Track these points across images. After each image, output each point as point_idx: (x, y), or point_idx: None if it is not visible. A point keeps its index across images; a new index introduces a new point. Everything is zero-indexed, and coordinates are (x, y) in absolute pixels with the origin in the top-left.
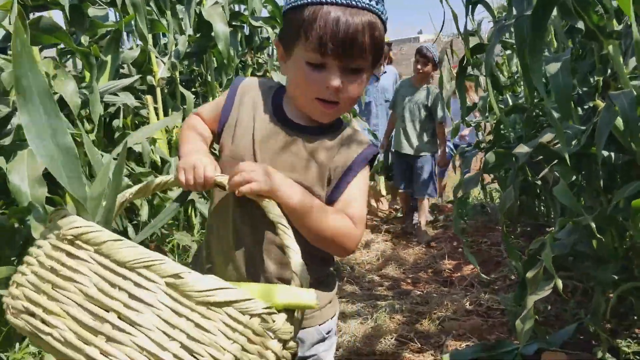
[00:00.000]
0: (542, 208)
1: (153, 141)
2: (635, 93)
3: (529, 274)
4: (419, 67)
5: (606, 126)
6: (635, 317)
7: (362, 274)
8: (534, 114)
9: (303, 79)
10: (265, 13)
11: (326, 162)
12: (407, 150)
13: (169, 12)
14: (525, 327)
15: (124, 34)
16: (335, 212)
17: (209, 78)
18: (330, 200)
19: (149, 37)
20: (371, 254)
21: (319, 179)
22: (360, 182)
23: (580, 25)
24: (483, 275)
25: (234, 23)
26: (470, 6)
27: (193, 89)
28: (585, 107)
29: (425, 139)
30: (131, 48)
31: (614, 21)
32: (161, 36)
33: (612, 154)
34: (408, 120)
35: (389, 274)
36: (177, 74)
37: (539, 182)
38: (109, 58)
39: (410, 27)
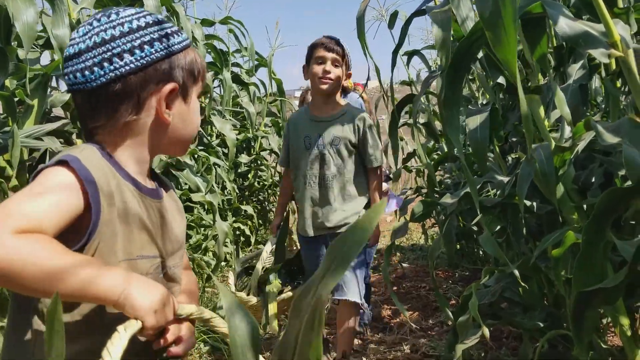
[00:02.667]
0: (481, 253)
1: None
2: (552, 146)
3: (459, 321)
4: (329, 75)
5: (526, 177)
6: None
7: None
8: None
9: (197, 117)
10: (207, 58)
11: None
12: (327, 223)
13: None
14: None
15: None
16: None
17: None
18: None
19: None
20: None
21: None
22: None
23: (502, 80)
24: (412, 324)
25: None
26: (407, 57)
27: None
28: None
29: (354, 200)
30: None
31: (539, 75)
32: None
33: (535, 204)
34: (317, 175)
35: (328, 321)
36: None
37: (476, 228)
38: (35, 102)
39: (359, 72)
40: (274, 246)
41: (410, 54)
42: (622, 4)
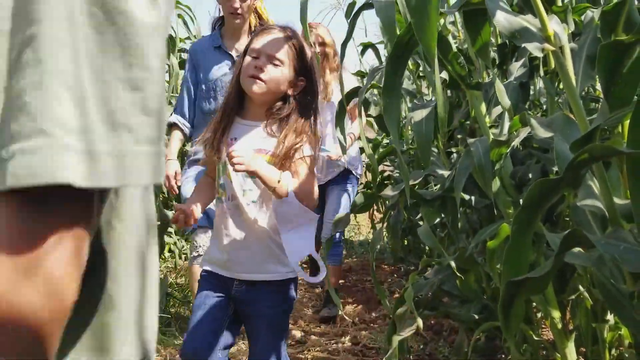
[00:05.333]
0: (428, 248)
1: None
2: (490, 140)
3: (397, 313)
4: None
5: (464, 171)
6: (503, 356)
7: None
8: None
9: None
10: None
11: None
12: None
13: None
14: None
15: None
16: None
17: None
18: None
19: None
20: None
21: None
22: None
23: (445, 75)
24: (349, 318)
25: None
26: (362, 48)
27: None
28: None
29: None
30: None
31: (484, 73)
32: None
33: (473, 198)
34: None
35: None
36: None
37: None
38: None
39: None
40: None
41: (365, 47)
42: (560, 3)
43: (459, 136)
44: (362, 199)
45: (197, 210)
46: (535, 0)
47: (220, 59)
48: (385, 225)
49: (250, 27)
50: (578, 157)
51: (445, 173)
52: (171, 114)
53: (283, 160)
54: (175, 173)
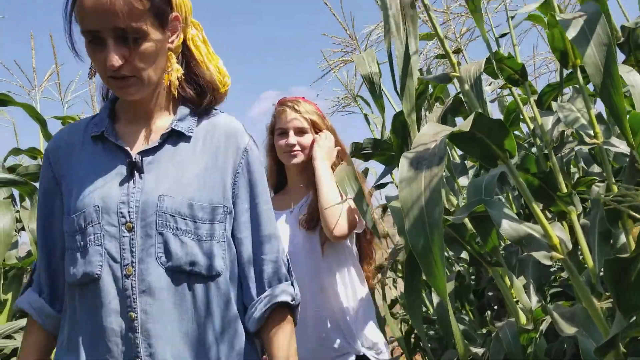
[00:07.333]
0: None
1: None
2: (517, 324)
3: None
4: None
5: (498, 355)
6: None
7: None
8: None
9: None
10: None
11: None
12: None
13: None
14: None
15: None
16: None
17: None
18: None
19: None
20: None
21: None
22: None
23: (465, 255)
24: None
25: None
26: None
27: None
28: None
29: None
30: None
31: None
32: None
33: None
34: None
35: None
36: None
37: None
38: (9, 296)
39: None
40: None
41: (384, 208)
42: (565, 189)
43: (489, 293)
44: None
45: None
46: (536, 212)
47: (102, 162)
48: None
49: (171, 96)
50: None
51: (480, 351)
52: (24, 288)
53: None
54: None
